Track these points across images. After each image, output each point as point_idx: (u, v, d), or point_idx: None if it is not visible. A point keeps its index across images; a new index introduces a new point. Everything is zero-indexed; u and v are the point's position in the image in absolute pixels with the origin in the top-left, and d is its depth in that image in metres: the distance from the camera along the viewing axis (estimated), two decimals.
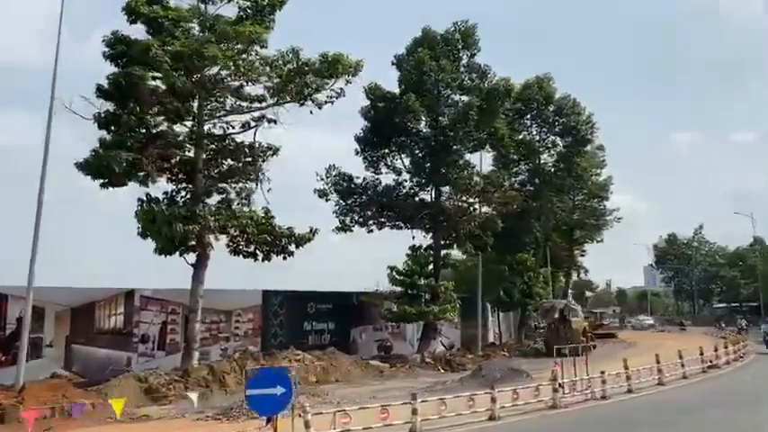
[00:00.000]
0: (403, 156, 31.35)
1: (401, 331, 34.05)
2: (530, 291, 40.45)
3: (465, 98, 31.13)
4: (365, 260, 64.70)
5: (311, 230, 24.99)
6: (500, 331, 45.95)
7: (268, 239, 24.13)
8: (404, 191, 31.97)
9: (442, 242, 32.76)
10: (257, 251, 24.79)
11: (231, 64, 21.89)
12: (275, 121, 24.63)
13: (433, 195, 31.93)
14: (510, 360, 30.32)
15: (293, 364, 23.79)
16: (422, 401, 12.80)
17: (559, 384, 15.16)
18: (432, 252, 31.72)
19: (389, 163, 31.58)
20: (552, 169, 43.56)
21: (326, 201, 31.09)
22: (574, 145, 42.59)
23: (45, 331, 21.66)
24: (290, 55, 23.20)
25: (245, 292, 27.11)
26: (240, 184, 24.44)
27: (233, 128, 24.37)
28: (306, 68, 23.45)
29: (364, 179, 31.01)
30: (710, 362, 23.73)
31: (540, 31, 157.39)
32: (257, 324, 27.20)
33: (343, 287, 32.73)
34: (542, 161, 43.67)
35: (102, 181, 21.35)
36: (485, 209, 35.06)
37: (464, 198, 33.19)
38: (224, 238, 23.97)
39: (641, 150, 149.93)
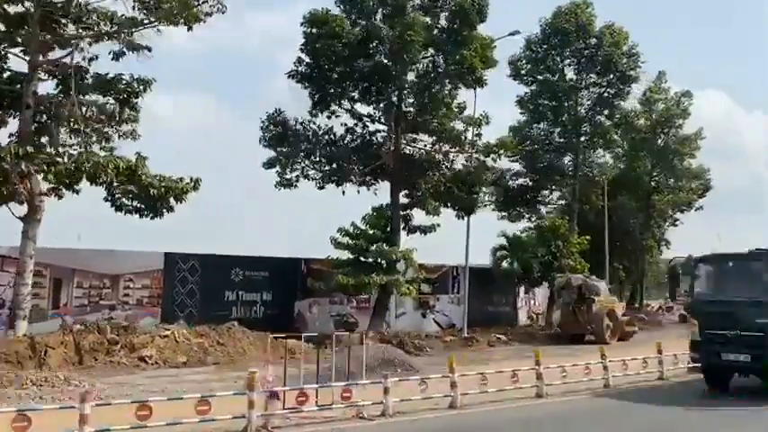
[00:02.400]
0: (348, 95, 25.78)
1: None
2: (558, 263, 33.30)
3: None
4: None
5: (192, 180, 20.68)
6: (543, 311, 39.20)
7: (134, 191, 20.23)
8: (360, 138, 26.56)
9: (411, 199, 27.05)
10: (142, 206, 21.08)
11: None
12: (149, 49, 20.66)
13: (392, 142, 26.22)
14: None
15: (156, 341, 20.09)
16: None
17: (273, 395, 9.67)
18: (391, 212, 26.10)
19: (341, 105, 26.20)
20: (588, 115, 35.53)
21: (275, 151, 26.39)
22: (615, 84, 34.31)
23: None
24: None
25: (140, 254, 23.33)
26: (109, 125, 20.63)
27: (97, 58, 20.54)
28: None
29: (301, 123, 25.82)
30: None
31: None
32: (157, 292, 23.38)
33: None
34: (580, 106, 35.63)
35: None
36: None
37: (439, 146, 27.22)
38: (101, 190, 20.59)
39: None
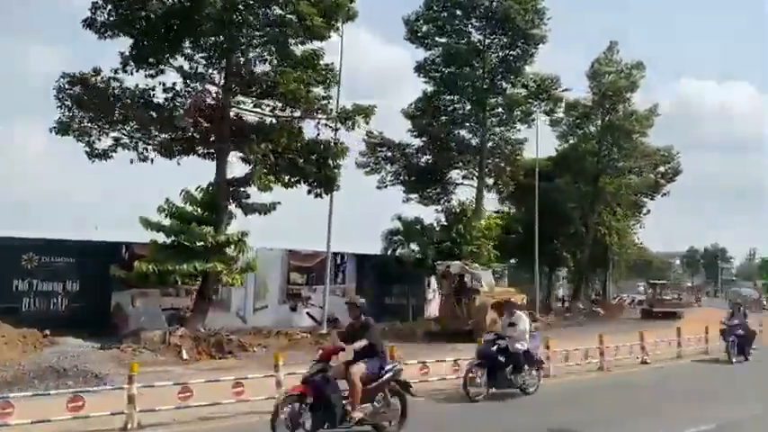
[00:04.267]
0: (167, 49, 21.69)
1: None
2: (458, 249, 29.07)
3: None
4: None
5: None
6: None
7: None
8: (188, 101, 22.60)
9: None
10: None
11: None
12: None
13: (221, 102, 22.28)
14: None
15: None
16: None
17: None
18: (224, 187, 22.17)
19: (162, 61, 22.17)
20: (494, 80, 31.00)
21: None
22: (518, 45, 29.80)
23: None
24: None
25: None
26: None
27: None
28: None
29: (106, 82, 21.74)
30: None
31: None
32: None
33: None
34: (487, 73, 31.05)
35: None
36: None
37: (290, 111, 23.24)
38: None
39: None
